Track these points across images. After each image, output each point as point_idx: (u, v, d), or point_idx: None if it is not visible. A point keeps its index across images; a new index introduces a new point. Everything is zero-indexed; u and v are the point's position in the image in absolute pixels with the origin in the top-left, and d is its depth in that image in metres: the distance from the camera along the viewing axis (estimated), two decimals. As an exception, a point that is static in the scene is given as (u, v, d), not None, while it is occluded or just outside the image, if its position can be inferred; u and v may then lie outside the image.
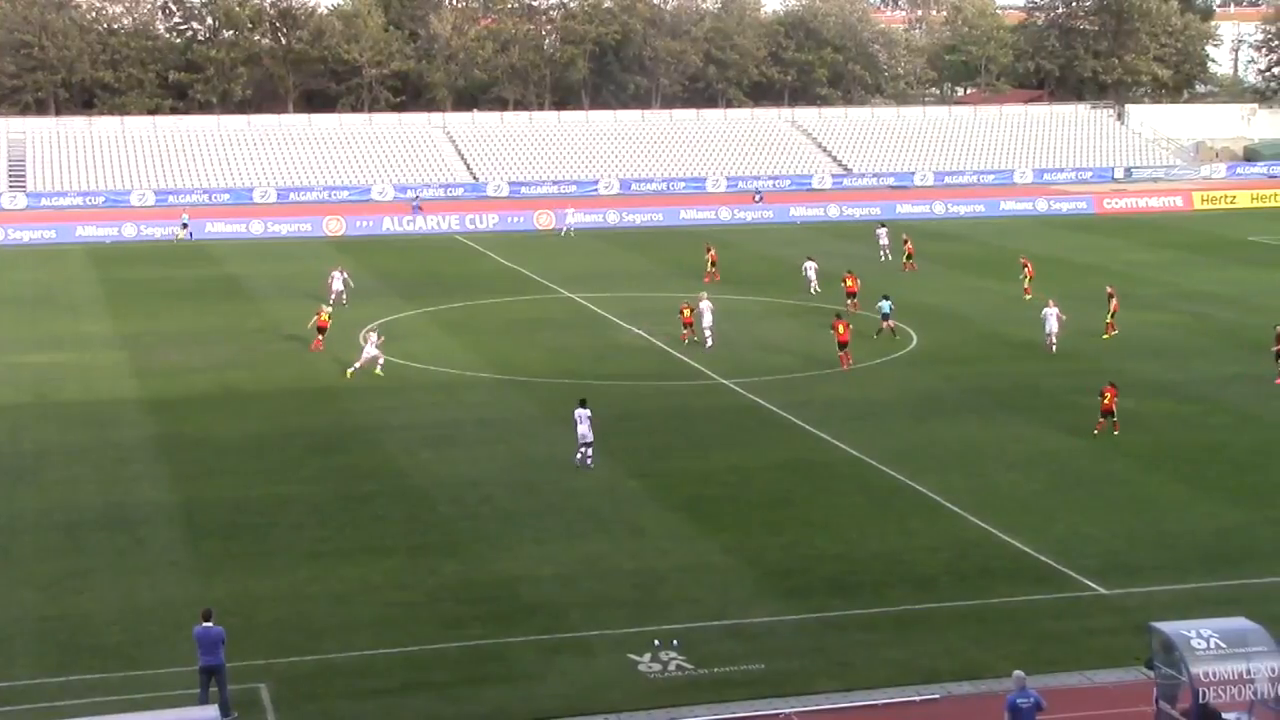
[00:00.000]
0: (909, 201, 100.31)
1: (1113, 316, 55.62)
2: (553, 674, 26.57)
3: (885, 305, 55.49)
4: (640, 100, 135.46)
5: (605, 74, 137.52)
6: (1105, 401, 42.32)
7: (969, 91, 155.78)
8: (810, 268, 66.71)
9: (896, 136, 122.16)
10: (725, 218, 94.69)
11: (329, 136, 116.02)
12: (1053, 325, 52.95)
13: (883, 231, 77.96)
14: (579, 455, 38.89)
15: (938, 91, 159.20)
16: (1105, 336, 54.96)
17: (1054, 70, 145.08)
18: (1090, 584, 30.81)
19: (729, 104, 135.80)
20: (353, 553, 32.65)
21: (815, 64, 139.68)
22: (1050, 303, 53.55)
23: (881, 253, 76.21)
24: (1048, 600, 30.08)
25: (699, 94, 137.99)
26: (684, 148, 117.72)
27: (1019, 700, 22.47)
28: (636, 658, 27.06)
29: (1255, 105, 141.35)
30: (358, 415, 44.62)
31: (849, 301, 60.50)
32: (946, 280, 67.85)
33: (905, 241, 73.88)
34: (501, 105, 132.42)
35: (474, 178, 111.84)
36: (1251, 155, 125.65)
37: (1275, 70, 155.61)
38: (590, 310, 62.07)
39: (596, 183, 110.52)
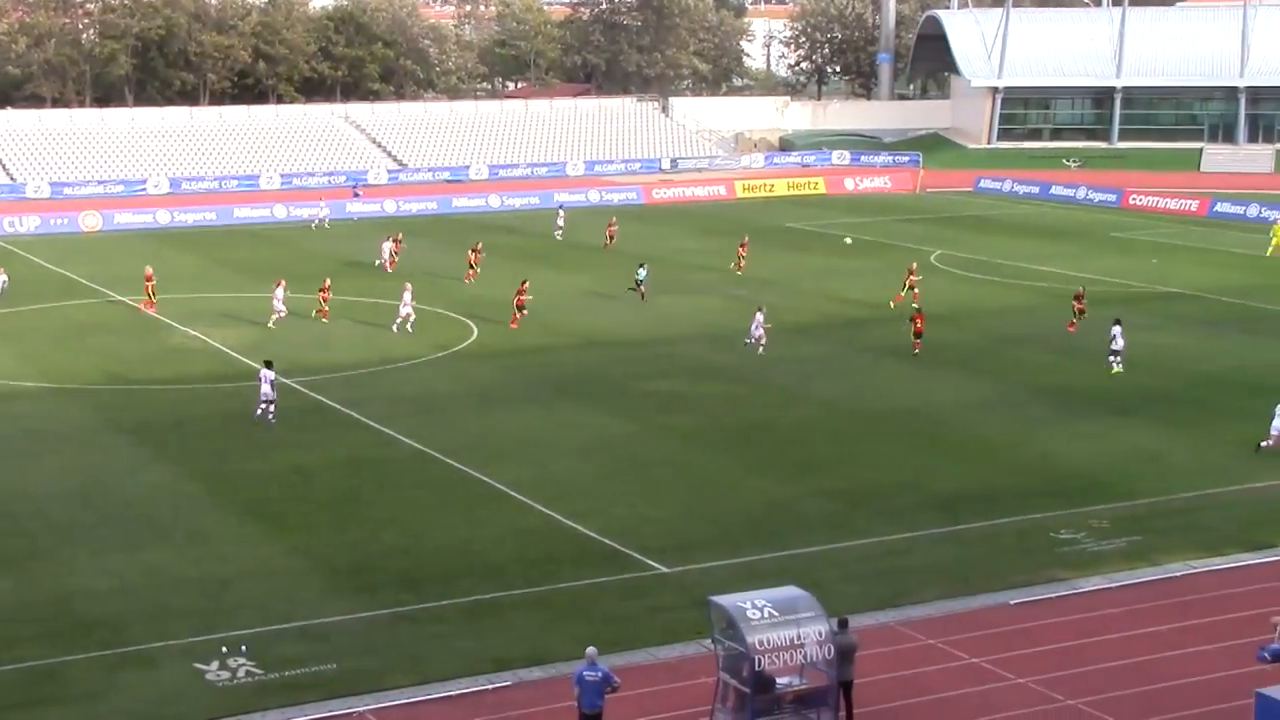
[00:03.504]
0: (465, 195, 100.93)
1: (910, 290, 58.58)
2: (114, 690, 25.66)
3: (642, 272, 61.29)
4: (188, 97, 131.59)
5: (149, 70, 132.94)
6: (916, 326, 50.43)
7: (520, 86, 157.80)
8: (386, 248, 71.10)
9: (450, 131, 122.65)
10: (281, 215, 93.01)
11: None
12: (756, 329, 52.26)
13: (562, 213, 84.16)
14: (259, 410, 42.02)
15: (489, 86, 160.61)
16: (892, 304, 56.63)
17: (600, 64, 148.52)
18: (652, 563, 31.83)
19: (280, 100, 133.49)
20: (-110, 579, 30.73)
21: (366, 59, 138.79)
22: (759, 309, 53.47)
23: (557, 233, 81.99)
24: (613, 582, 30.90)
25: (248, 90, 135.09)
26: (236, 145, 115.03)
27: (586, 674, 23.06)
28: (204, 666, 26.44)
29: (787, 98, 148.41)
30: (-110, 433, 41.96)
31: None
32: (504, 272, 68.54)
33: (611, 224, 79.82)
34: (38, 103, 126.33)
35: (11, 178, 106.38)
36: (786, 145, 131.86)
37: (804, 65, 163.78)
38: (143, 314, 60.03)
39: (144, 182, 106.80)
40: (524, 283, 57.60)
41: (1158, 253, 76.20)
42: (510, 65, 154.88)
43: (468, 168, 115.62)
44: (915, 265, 62.95)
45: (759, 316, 52.66)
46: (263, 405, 42.45)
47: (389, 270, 69.55)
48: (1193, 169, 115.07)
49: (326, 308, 57.84)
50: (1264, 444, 39.52)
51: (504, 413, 44.41)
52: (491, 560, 31.99)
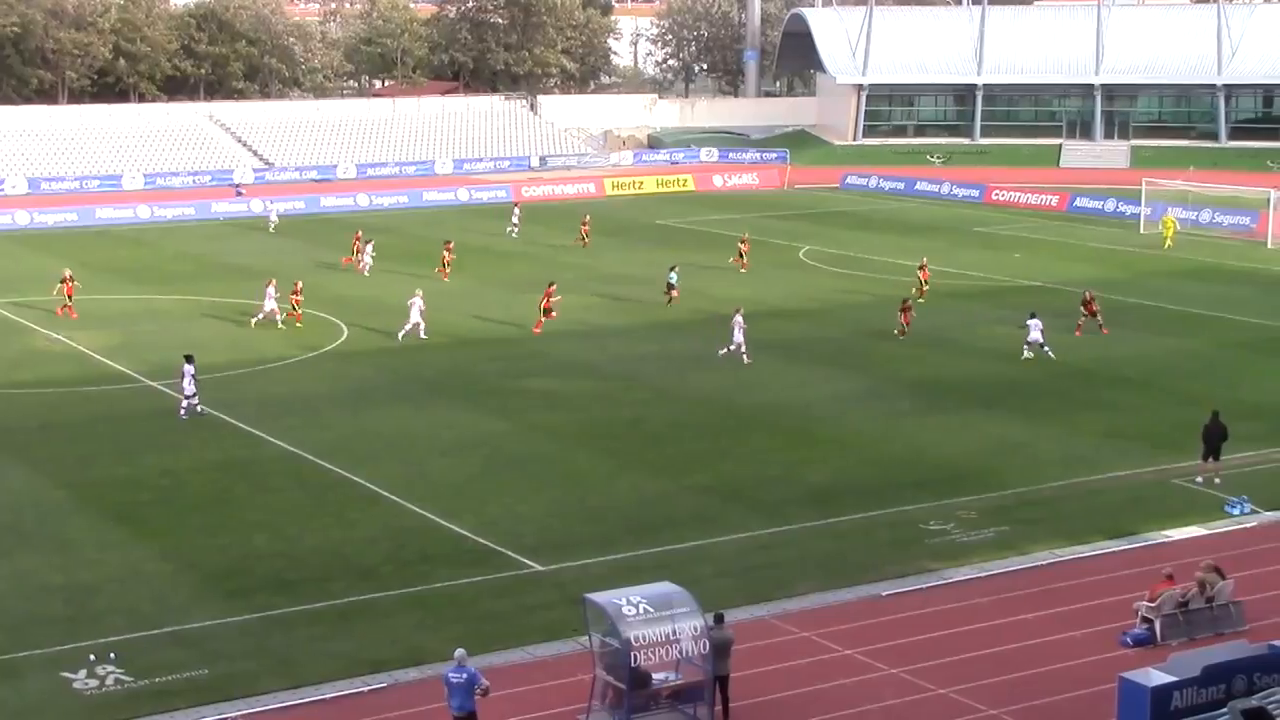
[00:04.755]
0: (333, 194, 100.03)
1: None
2: (-22, 702, 25.19)
3: (673, 276, 60.22)
4: (46, 96, 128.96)
5: (5, 68, 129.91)
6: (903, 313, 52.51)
7: (387, 84, 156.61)
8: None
9: (317, 130, 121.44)
10: (144, 216, 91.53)
11: None
12: (738, 336, 50.00)
13: (517, 211, 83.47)
14: (183, 407, 42.35)
15: (356, 84, 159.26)
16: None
17: (468, 62, 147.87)
18: (527, 561, 31.83)
19: (142, 98, 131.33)
20: None
21: (230, 57, 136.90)
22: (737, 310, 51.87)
23: (514, 229, 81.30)
24: (487, 581, 30.85)
25: (109, 89, 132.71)
26: (97, 145, 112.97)
27: (452, 675, 22.98)
28: (71, 675, 25.98)
29: (655, 95, 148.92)
30: None
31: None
32: (374, 271, 68.17)
33: (584, 222, 78.90)
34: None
35: None
36: (654, 143, 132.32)
37: (671, 63, 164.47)
38: (3, 317, 58.80)
39: (2, 182, 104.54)
40: (551, 285, 56.55)
41: (1020, 247, 77.53)
42: (377, 63, 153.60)
43: (335, 167, 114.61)
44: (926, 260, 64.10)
45: (738, 319, 50.48)
46: (186, 401, 42.61)
47: (364, 274, 68.49)
48: (1052, 165, 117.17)
49: (300, 310, 56.63)
50: None
51: (376, 413, 44.13)
52: (365, 561, 31.80)
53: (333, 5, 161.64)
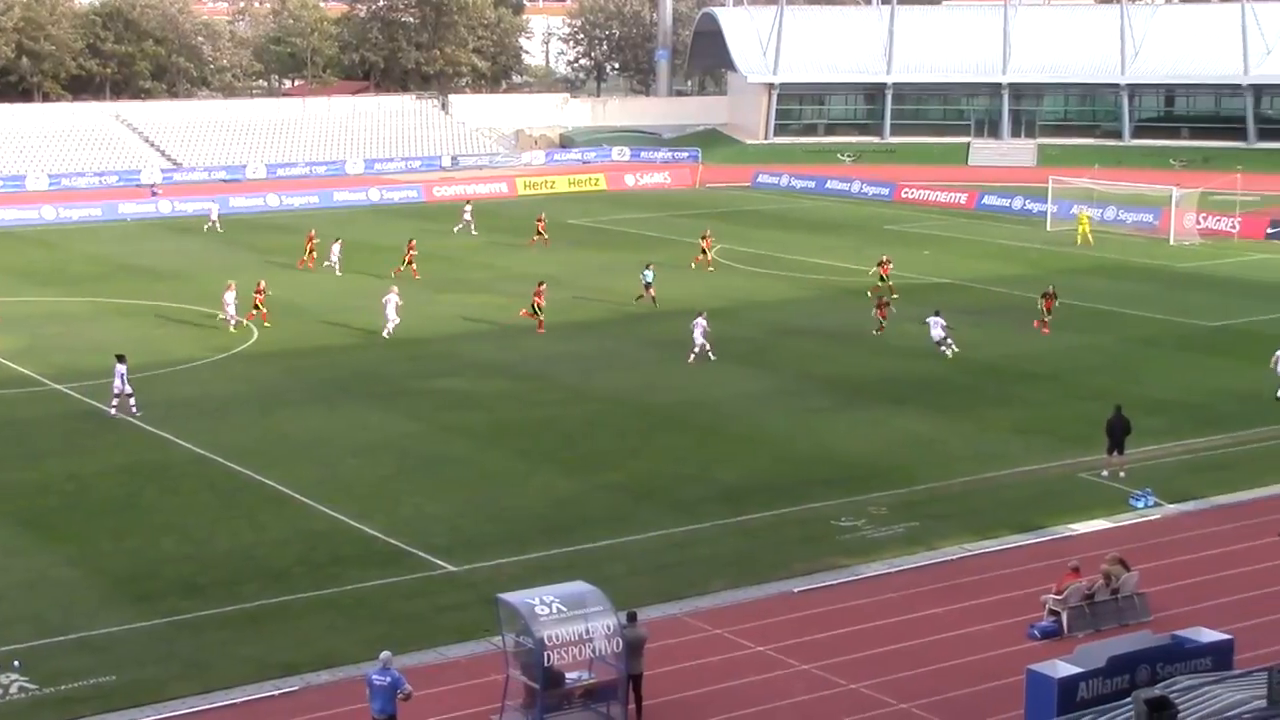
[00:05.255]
0: (242, 195, 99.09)
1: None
2: (-120, 712, 24.78)
3: (648, 274, 59.42)
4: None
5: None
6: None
7: (296, 84, 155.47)
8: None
9: (225, 130, 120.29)
10: (50, 217, 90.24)
11: None
12: (700, 338, 50.21)
13: (468, 208, 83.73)
14: (113, 407, 42.29)
15: (265, 84, 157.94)
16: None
17: (379, 62, 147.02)
18: (439, 562, 31.75)
19: (46, 98, 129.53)
20: None
21: (137, 56, 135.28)
22: (700, 315, 51.68)
23: (468, 228, 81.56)
24: (400, 582, 30.74)
25: (12, 88, 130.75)
26: (0, 145, 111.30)
27: (376, 678, 22.91)
28: (-24, 684, 25.67)
29: (567, 95, 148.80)
30: None
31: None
32: (282, 272, 67.66)
33: (539, 220, 78.41)
34: None
35: None
36: (566, 142, 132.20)
37: (583, 62, 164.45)
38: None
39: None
40: (541, 284, 56.13)
41: (929, 244, 78.22)
42: (287, 63, 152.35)
43: (244, 167, 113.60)
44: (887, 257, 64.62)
45: (701, 322, 50.63)
46: (115, 400, 42.57)
47: (338, 273, 68.00)
48: (961, 163, 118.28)
49: (265, 310, 56.25)
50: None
51: (286, 414, 43.84)
52: (276, 564, 31.59)
53: (241, 4, 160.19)
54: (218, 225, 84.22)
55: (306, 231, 72.43)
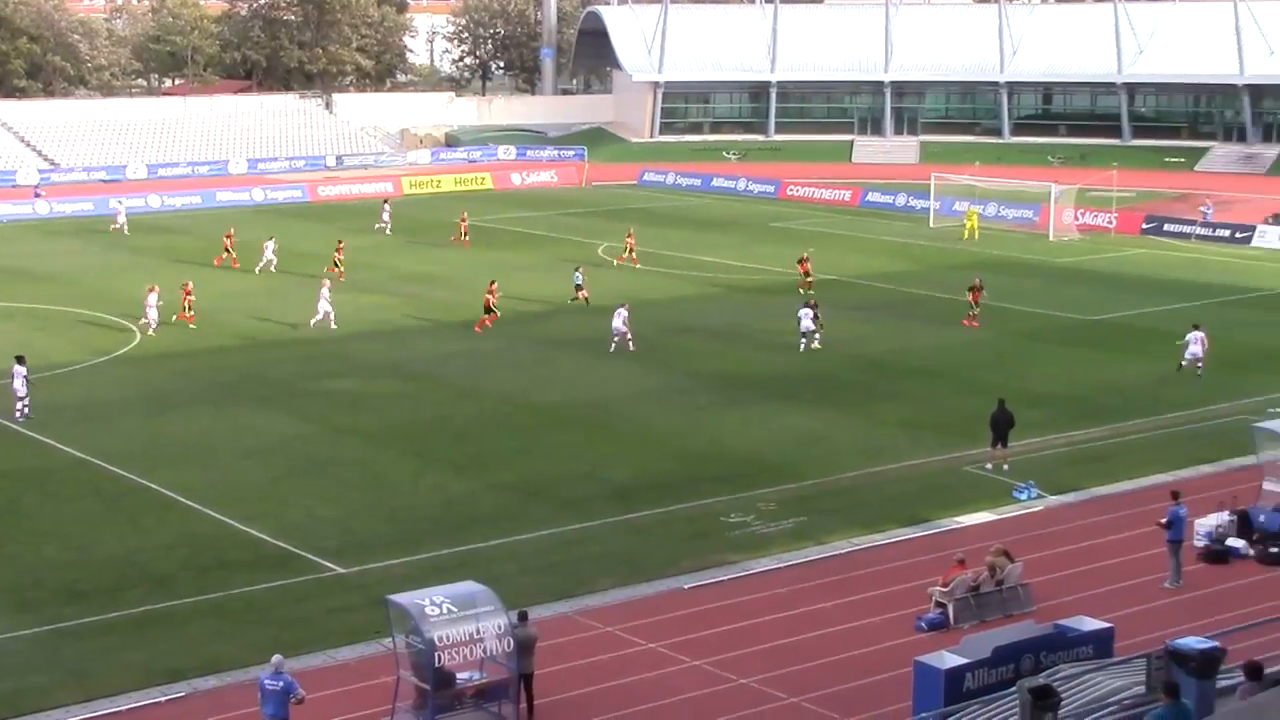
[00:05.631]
0: (123, 195, 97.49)
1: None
2: None
3: (578, 276, 59.71)
4: None
5: None
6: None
7: (177, 83, 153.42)
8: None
9: (105, 130, 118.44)
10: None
11: None
12: (620, 326, 51.32)
13: (386, 207, 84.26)
14: (19, 410, 42.18)
15: (145, 83, 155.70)
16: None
17: (261, 61, 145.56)
18: (329, 564, 31.53)
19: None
20: None
21: (11, 54, 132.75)
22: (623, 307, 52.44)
23: (385, 226, 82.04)
24: (289, 585, 30.50)
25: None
26: None
27: (268, 682, 22.73)
28: None
29: (452, 94, 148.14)
30: None
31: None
32: (167, 273, 66.73)
33: (462, 218, 79.45)
34: None
35: None
36: (452, 141, 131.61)
37: (468, 61, 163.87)
38: None
39: None
40: (492, 283, 56.19)
41: (814, 241, 78.79)
42: (167, 62, 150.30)
43: (125, 167, 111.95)
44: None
45: (623, 312, 51.58)
46: (21, 404, 42.42)
47: (273, 271, 67.59)
48: (845, 160, 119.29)
49: (191, 312, 55.90)
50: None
51: (172, 417, 43.30)
52: (161, 569, 31.21)
53: (119, 2, 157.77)
54: (125, 228, 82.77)
55: (188, 230, 71.48)
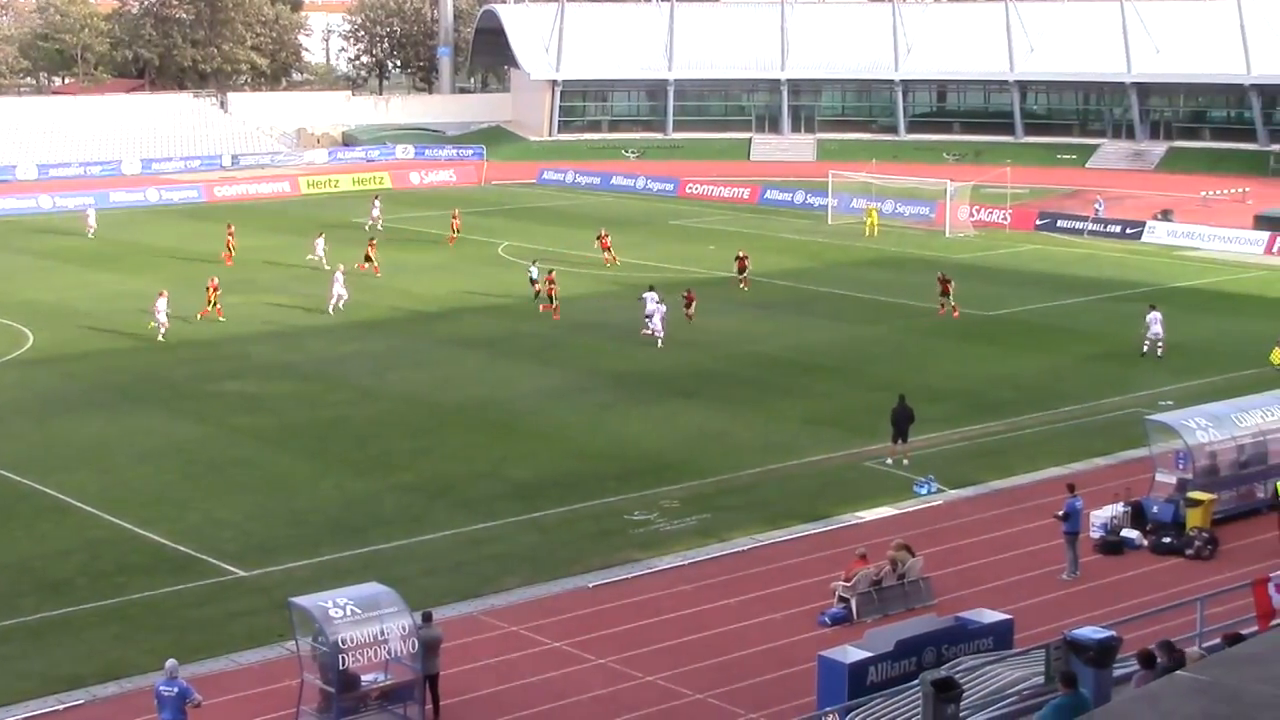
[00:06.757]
0: (13, 195, 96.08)
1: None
2: None
3: (534, 270, 60.76)
4: None
5: None
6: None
7: (67, 82, 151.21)
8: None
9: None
10: None
11: None
12: (656, 324, 52.11)
13: (377, 202, 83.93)
14: None
15: (34, 82, 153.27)
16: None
17: (154, 59, 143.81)
18: (230, 568, 31.24)
19: None
20: None
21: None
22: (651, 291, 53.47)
23: (374, 222, 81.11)
24: (189, 589, 30.18)
25: None
26: None
27: (163, 688, 22.48)
28: None
29: (349, 92, 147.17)
30: None
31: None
32: (58, 276, 65.82)
33: (455, 216, 79.54)
34: None
35: None
36: (349, 140, 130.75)
37: (364, 59, 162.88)
38: None
39: None
40: (550, 272, 58.66)
41: (714, 239, 79.12)
42: (55, 60, 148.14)
43: (14, 167, 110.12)
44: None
45: (652, 295, 52.73)
46: None
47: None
48: (743, 158, 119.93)
49: (210, 308, 56.06)
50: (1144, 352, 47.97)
51: (66, 421, 42.67)
52: (57, 575, 30.77)
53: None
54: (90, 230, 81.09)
55: (80, 233, 70.35)
